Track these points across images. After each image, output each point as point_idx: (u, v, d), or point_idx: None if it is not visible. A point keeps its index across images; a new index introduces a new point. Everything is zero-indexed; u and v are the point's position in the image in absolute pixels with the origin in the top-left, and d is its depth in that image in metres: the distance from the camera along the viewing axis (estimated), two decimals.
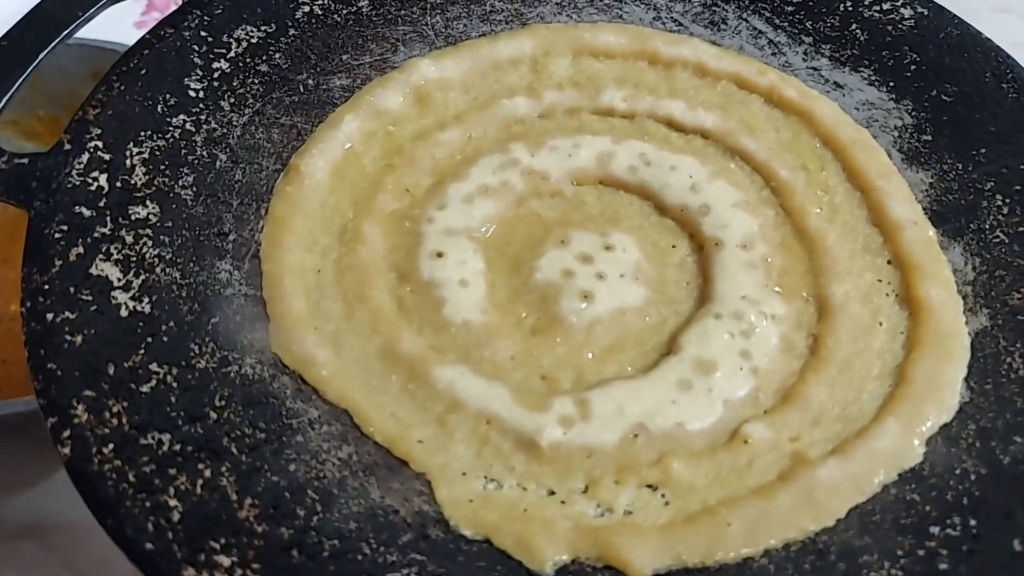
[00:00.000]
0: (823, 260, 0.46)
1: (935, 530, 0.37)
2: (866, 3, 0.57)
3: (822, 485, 0.38)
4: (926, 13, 0.56)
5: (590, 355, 0.43)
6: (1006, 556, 0.36)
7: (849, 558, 0.36)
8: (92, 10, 0.52)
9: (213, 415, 0.38)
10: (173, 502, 0.35)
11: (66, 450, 0.36)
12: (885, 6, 0.57)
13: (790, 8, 0.58)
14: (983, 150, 0.50)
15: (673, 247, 0.48)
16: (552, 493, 0.38)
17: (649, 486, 0.39)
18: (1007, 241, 0.47)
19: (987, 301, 0.45)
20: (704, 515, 0.37)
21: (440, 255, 0.46)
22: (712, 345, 0.43)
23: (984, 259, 0.46)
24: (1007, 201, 0.48)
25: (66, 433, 0.36)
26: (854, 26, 0.56)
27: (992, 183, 0.49)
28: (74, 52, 0.65)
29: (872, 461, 0.39)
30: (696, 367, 0.42)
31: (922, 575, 0.36)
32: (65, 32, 0.51)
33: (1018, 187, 0.48)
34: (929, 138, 0.52)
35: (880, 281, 0.46)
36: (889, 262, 0.47)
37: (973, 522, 0.37)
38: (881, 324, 0.44)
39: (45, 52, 0.50)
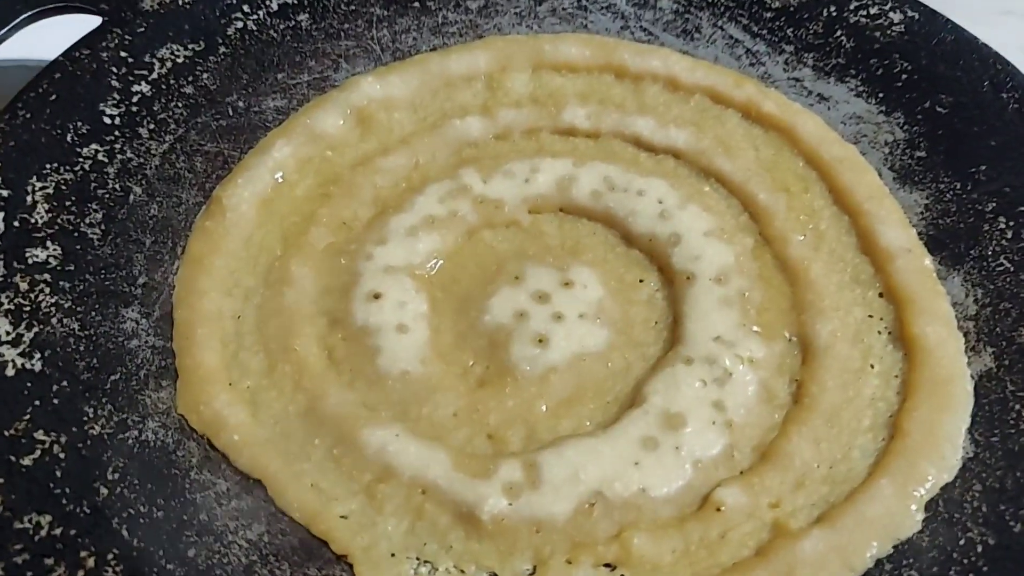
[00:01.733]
0: (807, 294, 0.42)
1: None
2: (852, 8, 0.52)
3: (805, 561, 0.33)
4: (917, 17, 0.51)
5: (544, 408, 0.38)
6: None
7: None
8: (4, 31, 0.48)
9: (104, 491, 0.33)
10: None
11: None
12: (873, 10, 0.52)
13: (769, 14, 0.53)
14: (983, 167, 0.45)
15: (640, 281, 0.43)
16: None
17: (606, 565, 0.34)
18: (1012, 269, 0.42)
19: (991, 339, 0.40)
20: None
21: (377, 296, 0.41)
22: (681, 395, 0.38)
23: (987, 290, 0.41)
24: (1011, 224, 0.43)
25: None
26: (839, 33, 0.52)
27: (994, 204, 0.44)
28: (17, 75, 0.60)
29: (863, 531, 0.34)
30: (663, 421, 0.37)
31: None
32: None
33: (1023, 208, 0.43)
34: (923, 155, 0.47)
35: (871, 317, 0.41)
36: (881, 295, 0.42)
37: None
38: (873, 367, 0.39)
39: None
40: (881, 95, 0.49)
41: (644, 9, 0.53)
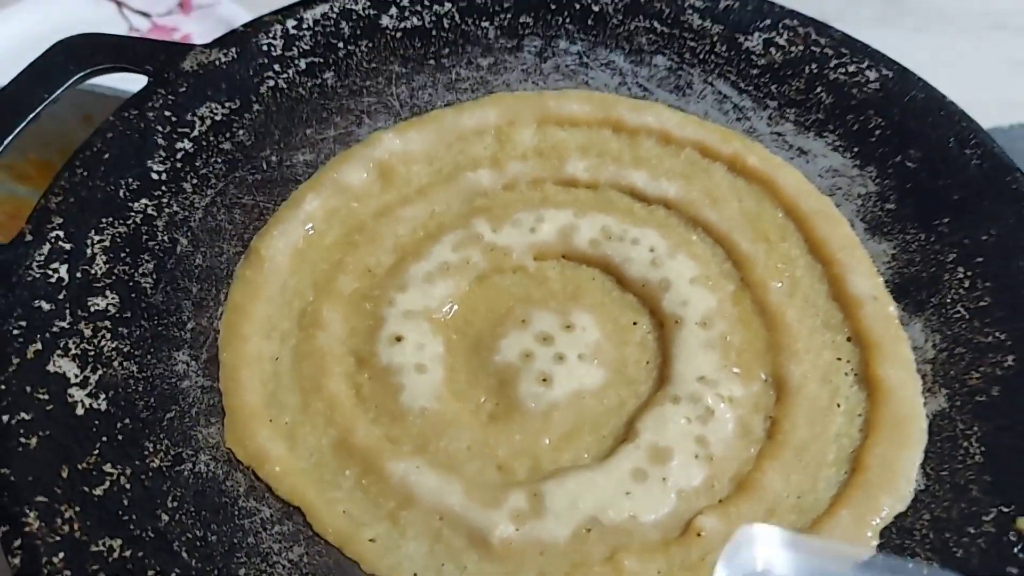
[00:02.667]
0: (782, 337, 0.46)
1: None
2: (832, 65, 0.57)
3: None
4: (891, 76, 0.56)
5: (547, 442, 0.43)
6: None
7: None
8: (58, 91, 0.53)
9: (165, 517, 0.39)
10: None
11: (16, 560, 0.36)
12: (851, 68, 0.57)
13: (755, 71, 0.58)
14: (946, 219, 0.50)
15: (634, 324, 0.48)
16: None
17: None
18: (967, 317, 0.46)
19: (946, 381, 0.45)
20: None
21: (399, 339, 0.46)
22: (668, 431, 0.43)
23: (944, 336, 0.46)
24: (968, 274, 0.48)
25: (17, 543, 0.36)
26: (819, 89, 0.56)
27: (954, 254, 0.49)
28: (67, 97, 0.65)
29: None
30: (652, 455, 0.42)
31: None
32: (32, 115, 0.52)
33: (979, 259, 0.48)
34: (893, 207, 0.51)
35: (839, 359, 0.46)
36: (849, 339, 0.47)
37: None
38: (839, 406, 0.44)
39: (11, 137, 0.51)
40: (856, 149, 0.54)
41: (640, 66, 0.58)
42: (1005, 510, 0.40)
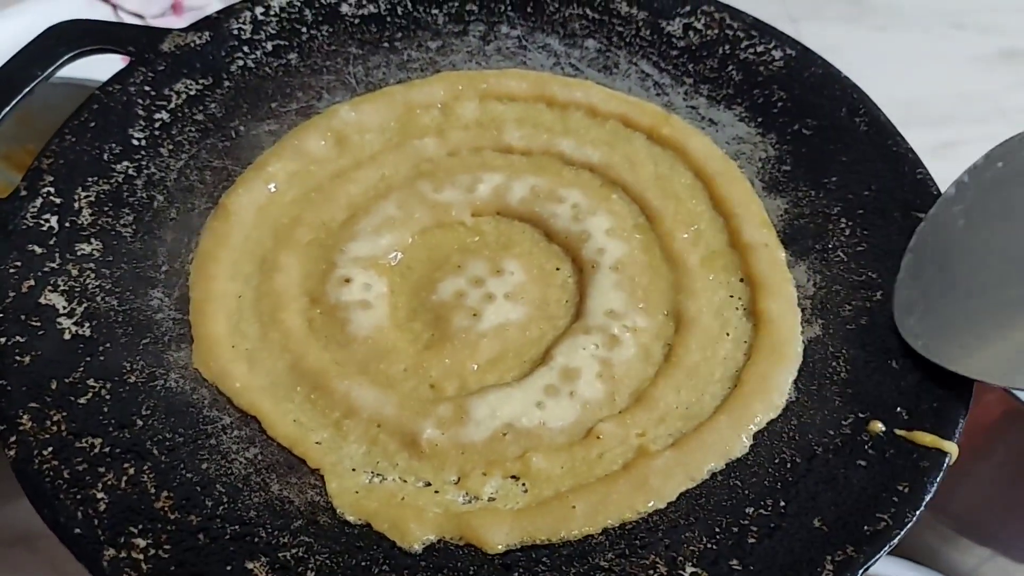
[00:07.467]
0: (683, 279, 0.53)
1: (750, 510, 0.43)
2: (743, 46, 0.64)
3: (658, 473, 0.44)
4: (794, 54, 0.63)
5: (475, 366, 0.50)
6: (805, 532, 0.42)
7: (673, 534, 0.43)
8: (49, 70, 0.60)
9: (139, 422, 0.45)
10: (100, 495, 0.42)
11: (12, 452, 0.43)
12: (759, 48, 0.64)
13: (675, 52, 0.64)
14: (834, 178, 0.57)
15: (557, 269, 0.55)
16: (428, 484, 0.45)
17: (512, 477, 0.45)
18: (846, 259, 0.53)
19: (822, 313, 0.51)
20: (554, 500, 0.44)
21: (348, 281, 0.52)
22: (578, 356, 0.49)
23: (824, 276, 0.53)
24: (850, 223, 0.55)
25: (12, 438, 0.43)
26: (730, 67, 0.63)
27: (839, 207, 0.55)
28: (63, 91, 0.71)
29: (703, 452, 0.45)
30: (562, 375, 0.49)
31: (733, 547, 0.42)
32: (26, 90, 0.59)
33: (860, 211, 0.55)
34: (788, 168, 0.58)
35: (731, 297, 0.53)
36: (742, 280, 0.53)
37: (783, 503, 0.43)
38: (728, 335, 0.51)
39: (8, 108, 0.58)
40: (760, 120, 0.61)
41: (573, 48, 0.65)
42: (861, 416, 0.46)
